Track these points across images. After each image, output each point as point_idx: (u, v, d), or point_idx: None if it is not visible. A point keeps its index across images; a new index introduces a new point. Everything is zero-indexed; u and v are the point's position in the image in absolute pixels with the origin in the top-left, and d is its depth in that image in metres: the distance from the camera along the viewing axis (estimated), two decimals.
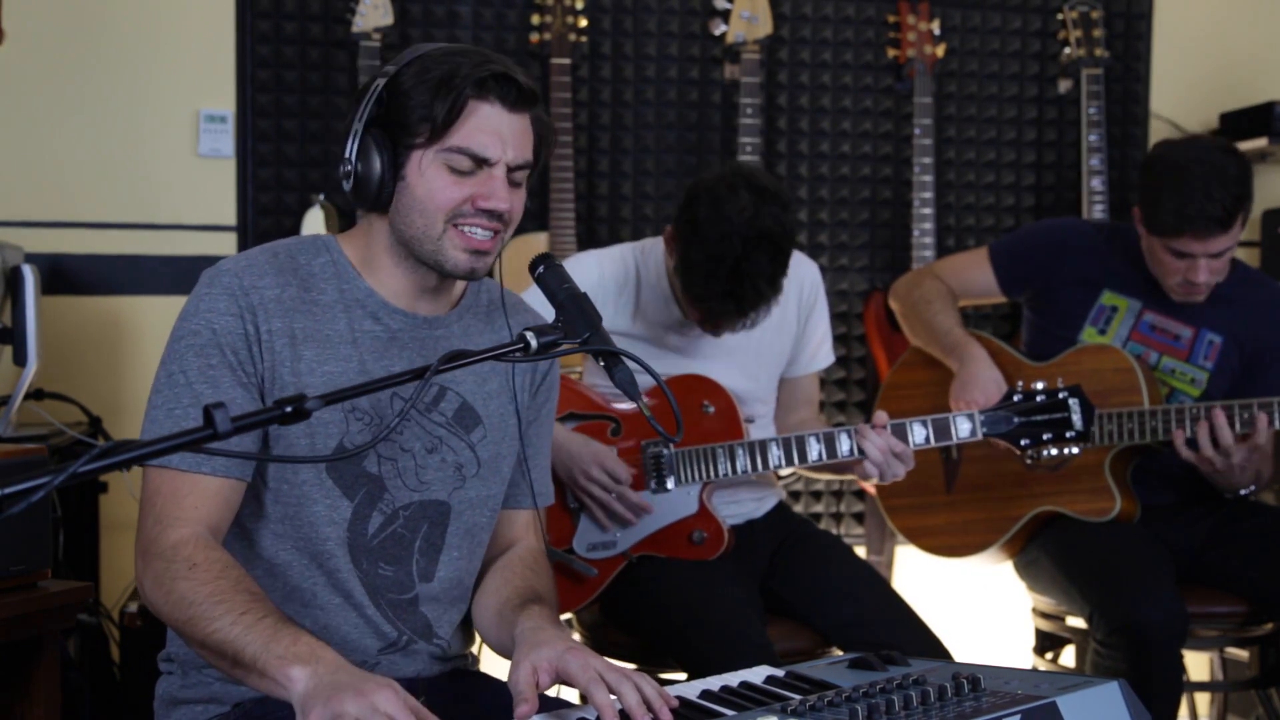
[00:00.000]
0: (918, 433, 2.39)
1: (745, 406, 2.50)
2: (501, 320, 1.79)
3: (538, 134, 1.68)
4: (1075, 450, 2.41)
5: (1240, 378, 2.77)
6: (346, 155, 1.64)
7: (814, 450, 2.39)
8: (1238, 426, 2.55)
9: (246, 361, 1.61)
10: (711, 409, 2.44)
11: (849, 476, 2.56)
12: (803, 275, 2.60)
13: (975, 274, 2.92)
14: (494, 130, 1.61)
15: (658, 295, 2.50)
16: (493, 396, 1.77)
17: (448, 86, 1.58)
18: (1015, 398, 2.42)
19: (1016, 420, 2.40)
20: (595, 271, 2.48)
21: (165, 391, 1.60)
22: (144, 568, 1.56)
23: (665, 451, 2.41)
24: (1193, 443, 2.57)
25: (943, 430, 2.39)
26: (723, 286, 2.26)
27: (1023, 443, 2.41)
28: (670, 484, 2.42)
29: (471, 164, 1.61)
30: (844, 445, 2.38)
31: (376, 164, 1.62)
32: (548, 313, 1.61)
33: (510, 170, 1.63)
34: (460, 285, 1.77)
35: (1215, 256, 2.61)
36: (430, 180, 1.61)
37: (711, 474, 2.41)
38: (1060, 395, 2.39)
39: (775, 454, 2.41)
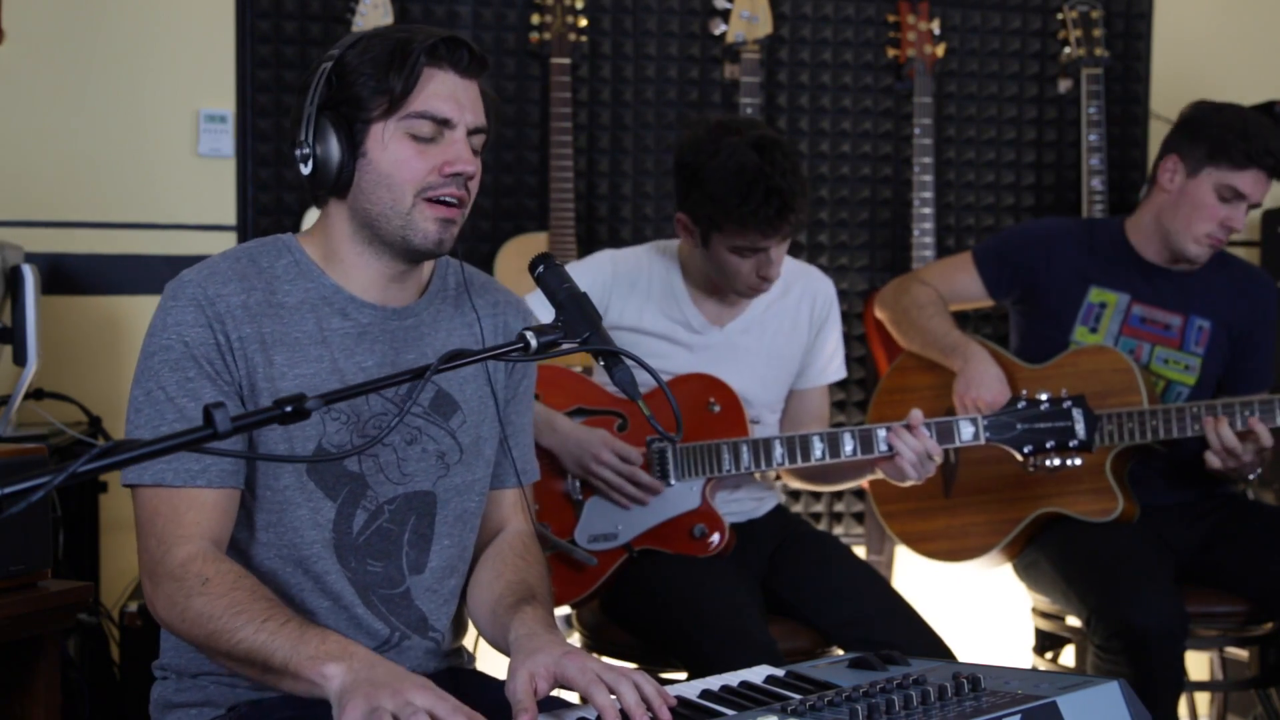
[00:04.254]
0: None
1: (752, 410, 2.50)
2: (470, 303, 1.79)
3: (486, 105, 1.69)
4: (1078, 461, 2.41)
5: (1231, 360, 2.80)
6: (302, 139, 1.63)
7: (817, 449, 2.39)
8: (1239, 424, 2.57)
9: (224, 370, 1.60)
10: (718, 407, 2.44)
11: (854, 485, 2.55)
12: (816, 288, 2.60)
13: (961, 278, 2.92)
14: (450, 94, 1.63)
15: (671, 295, 2.50)
16: (468, 381, 1.76)
17: (402, 56, 1.59)
18: (1019, 405, 2.42)
19: (1020, 427, 2.40)
20: (609, 269, 2.49)
21: (146, 410, 1.58)
22: (153, 589, 1.56)
23: (669, 447, 2.41)
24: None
25: (946, 433, 2.39)
26: (761, 189, 2.28)
27: (1025, 449, 2.41)
28: (673, 478, 2.41)
29: (434, 128, 1.62)
30: (847, 446, 2.38)
31: (334, 144, 1.62)
32: (546, 312, 1.61)
33: (469, 134, 1.64)
34: (427, 270, 1.76)
35: (1252, 207, 2.70)
36: (395, 151, 1.62)
37: (715, 470, 2.41)
38: (1064, 405, 2.39)
39: (779, 452, 2.40)
